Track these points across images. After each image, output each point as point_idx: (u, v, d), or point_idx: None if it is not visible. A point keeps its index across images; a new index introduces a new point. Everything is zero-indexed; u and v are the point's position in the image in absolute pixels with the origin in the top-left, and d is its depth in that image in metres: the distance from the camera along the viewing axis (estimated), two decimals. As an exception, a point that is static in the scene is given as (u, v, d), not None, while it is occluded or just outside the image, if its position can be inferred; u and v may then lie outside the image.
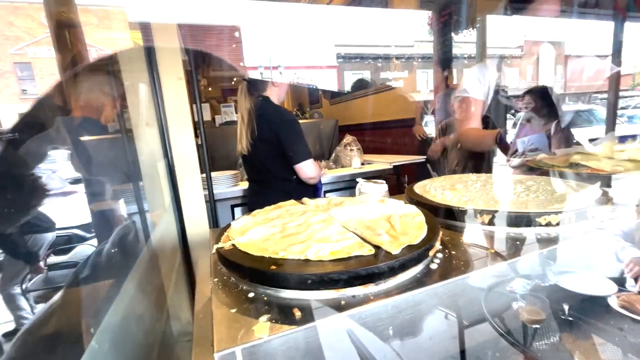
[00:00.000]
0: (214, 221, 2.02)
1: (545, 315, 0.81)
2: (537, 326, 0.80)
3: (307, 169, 1.66)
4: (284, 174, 1.72)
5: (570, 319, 0.85)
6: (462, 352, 0.74)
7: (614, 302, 0.80)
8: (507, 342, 0.78)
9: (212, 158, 3.02)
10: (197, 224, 1.85)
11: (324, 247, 0.57)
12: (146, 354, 0.85)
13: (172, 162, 1.74)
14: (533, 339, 0.81)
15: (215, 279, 0.63)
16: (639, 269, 0.89)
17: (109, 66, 1.60)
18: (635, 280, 0.88)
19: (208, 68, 7.78)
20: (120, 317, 0.71)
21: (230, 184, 2.19)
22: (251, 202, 1.99)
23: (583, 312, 0.84)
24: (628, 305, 0.79)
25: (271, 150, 1.67)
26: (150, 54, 1.64)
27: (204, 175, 1.95)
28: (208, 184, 1.92)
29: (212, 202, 1.97)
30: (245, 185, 2.19)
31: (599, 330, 0.80)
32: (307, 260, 0.55)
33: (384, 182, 1.04)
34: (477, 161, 1.68)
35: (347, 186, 2.49)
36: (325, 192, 2.45)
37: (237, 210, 2.30)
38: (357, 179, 1.19)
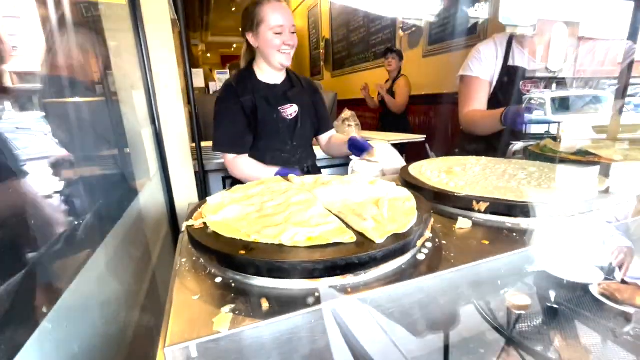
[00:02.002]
0: (204, 193, 1.97)
1: (530, 302, 0.79)
2: (522, 312, 0.78)
3: (225, 162, 1.37)
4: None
5: (556, 306, 0.83)
6: (446, 347, 0.71)
7: (594, 290, 0.79)
8: (491, 327, 0.76)
9: (204, 127, 2.92)
10: (186, 195, 1.80)
11: (301, 232, 0.51)
12: (119, 333, 0.82)
13: (160, 129, 1.66)
14: (516, 324, 0.79)
15: (184, 259, 0.58)
16: (624, 257, 0.86)
17: (92, 24, 1.48)
18: (620, 268, 0.86)
19: (206, 33, 7.45)
20: (85, 293, 0.67)
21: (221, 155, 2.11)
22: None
23: (568, 299, 0.82)
24: (608, 293, 0.77)
25: None
26: (135, 10, 1.52)
27: (195, 144, 1.87)
28: (198, 154, 1.85)
29: (201, 173, 1.91)
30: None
31: (582, 318, 0.79)
32: (281, 246, 0.50)
33: (379, 161, 0.97)
34: (480, 146, 1.59)
35: (343, 163, 2.42)
36: (321, 168, 2.38)
37: (229, 183, 2.24)
38: (351, 157, 1.12)
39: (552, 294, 0.84)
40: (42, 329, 0.49)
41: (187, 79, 1.80)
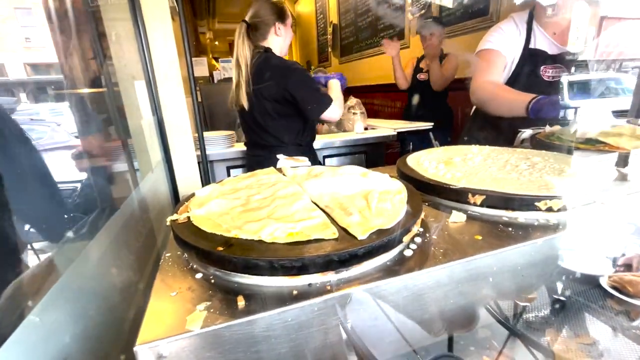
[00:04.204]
0: (207, 182, 1.98)
1: (536, 294, 0.76)
2: (527, 304, 0.76)
3: (333, 114, 1.52)
4: (284, 136, 1.59)
5: (562, 298, 0.81)
6: (450, 338, 0.69)
7: (604, 282, 0.76)
8: (494, 320, 0.75)
9: (210, 117, 2.93)
10: (190, 185, 1.81)
11: (281, 228, 0.50)
12: (117, 322, 0.84)
13: (162, 119, 1.66)
14: (521, 316, 0.77)
15: (168, 254, 0.58)
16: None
17: (94, 14, 1.48)
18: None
19: (213, 20, 7.37)
20: (78, 284, 0.68)
21: (225, 145, 2.11)
22: (249, 168, 1.90)
23: (576, 291, 0.80)
24: (619, 285, 0.75)
25: (274, 109, 1.52)
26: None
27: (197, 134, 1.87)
28: (200, 144, 1.85)
29: (204, 163, 1.92)
30: (242, 146, 2.11)
31: (590, 310, 0.77)
32: (260, 242, 0.49)
33: (306, 159, 0.98)
34: (490, 133, 1.50)
35: (348, 152, 2.39)
36: (325, 157, 2.36)
37: (234, 172, 2.25)
38: (278, 155, 1.13)
39: (559, 286, 0.81)
40: (27, 323, 0.50)
41: (188, 68, 1.78)
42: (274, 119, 1.55)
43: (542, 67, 1.34)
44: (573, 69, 1.38)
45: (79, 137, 1.25)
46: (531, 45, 1.34)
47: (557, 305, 0.80)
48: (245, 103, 1.56)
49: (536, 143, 1.07)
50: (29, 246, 0.72)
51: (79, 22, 1.45)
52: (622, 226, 0.83)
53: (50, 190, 0.77)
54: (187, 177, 1.81)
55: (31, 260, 0.76)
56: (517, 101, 1.20)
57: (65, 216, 0.71)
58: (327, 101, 1.50)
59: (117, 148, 1.29)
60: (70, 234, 0.70)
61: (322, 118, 1.53)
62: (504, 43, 1.36)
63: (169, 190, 1.76)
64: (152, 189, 1.53)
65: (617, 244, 0.85)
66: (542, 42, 1.34)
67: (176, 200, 1.78)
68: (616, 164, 0.85)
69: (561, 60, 1.32)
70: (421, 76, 2.76)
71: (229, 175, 2.25)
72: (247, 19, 1.53)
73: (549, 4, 1.36)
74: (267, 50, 1.52)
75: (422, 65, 2.81)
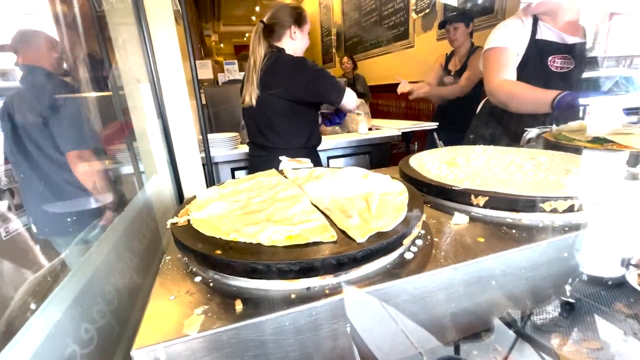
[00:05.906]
0: (212, 184, 1.98)
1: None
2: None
3: (350, 102, 1.56)
4: (293, 138, 1.61)
5: (572, 300, 0.79)
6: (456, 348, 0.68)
7: (632, 279, 0.74)
8: (501, 322, 0.73)
9: (215, 119, 2.94)
10: (194, 187, 1.82)
11: (280, 230, 0.49)
12: (120, 324, 0.84)
13: (166, 121, 1.67)
14: (529, 319, 0.76)
15: (169, 257, 0.58)
16: None
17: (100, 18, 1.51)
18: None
19: (218, 23, 7.42)
20: (80, 288, 0.68)
21: (229, 147, 2.12)
22: (251, 169, 1.91)
23: (585, 294, 0.78)
24: None
25: (286, 107, 1.55)
26: (137, 2, 1.51)
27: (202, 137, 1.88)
28: (205, 146, 1.86)
29: (209, 165, 1.92)
30: (246, 147, 2.11)
31: (600, 312, 0.75)
32: (259, 245, 0.48)
33: (309, 160, 0.98)
34: (497, 132, 1.49)
35: (353, 152, 2.38)
36: (329, 158, 2.35)
37: (238, 174, 2.25)
38: (280, 157, 1.14)
39: (567, 288, 0.80)
40: (29, 326, 0.50)
41: (192, 71, 1.79)
42: (286, 118, 1.57)
43: (550, 58, 1.33)
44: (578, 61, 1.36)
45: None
46: (537, 37, 1.33)
47: (566, 308, 0.78)
48: (254, 101, 1.57)
49: (542, 142, 1.06)
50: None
51: (87, 28, 1.47)
52: (632, 227, 0.81)
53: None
54: (192, 178, 1.81)
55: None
56: (541, 98, 1.20)
57: (69, 219, 0.72)
58: (342, 88, 1.53)
59: (122, 150, 1.31)
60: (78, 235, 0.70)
61: (342, 105, 1.56)
62: (510, 38, 1.36)
63: (174, 192, 1.77)
64: (157, 191, 1.54)
65: (627, 245, 0.83)
66: (549, 33, 1.33)
67: (181, 202, 1.79)
68: (627, 163, 0.83)
69: (569, 51, 1.31)
70: (448, 79, 2.52)
71: (233, 176, 2.25)
72: (265, 19, 1.56)
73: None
74: (280, 50, 1.55)
75: (450, 66, 2.56)
